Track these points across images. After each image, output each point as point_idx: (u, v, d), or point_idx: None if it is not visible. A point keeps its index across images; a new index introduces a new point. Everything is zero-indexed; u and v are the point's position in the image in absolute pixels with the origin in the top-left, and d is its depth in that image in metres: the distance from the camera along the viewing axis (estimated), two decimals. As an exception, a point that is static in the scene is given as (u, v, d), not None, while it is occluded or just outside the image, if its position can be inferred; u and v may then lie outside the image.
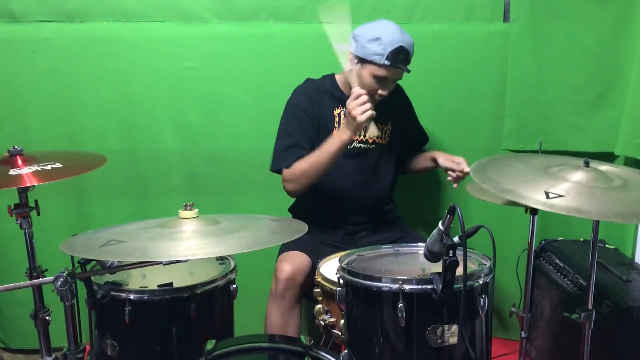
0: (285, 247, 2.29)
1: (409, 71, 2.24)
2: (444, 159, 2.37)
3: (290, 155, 2.30)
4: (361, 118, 2.09)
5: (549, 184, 1.58)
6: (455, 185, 2.32)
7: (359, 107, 2.09)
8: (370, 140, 2.41)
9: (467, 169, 2.26)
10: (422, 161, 2.55)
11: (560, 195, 1.51)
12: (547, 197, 1.50)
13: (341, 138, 2.18)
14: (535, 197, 1.51)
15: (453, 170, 2.30)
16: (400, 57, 2.19)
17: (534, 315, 2.55)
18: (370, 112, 2.10)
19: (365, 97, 2.10)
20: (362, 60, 2.23)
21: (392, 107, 2.44)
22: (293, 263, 2.19)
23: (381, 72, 2.20)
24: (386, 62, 2.18)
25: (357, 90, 2.12)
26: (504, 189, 1.57)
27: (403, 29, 2.23)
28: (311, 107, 2.35)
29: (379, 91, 2.25)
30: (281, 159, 2.32)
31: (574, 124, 2.76)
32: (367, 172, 2.44)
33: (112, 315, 1.86)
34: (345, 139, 2.17)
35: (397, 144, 2.51)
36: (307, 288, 2.20)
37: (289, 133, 2.34)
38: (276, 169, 2.34)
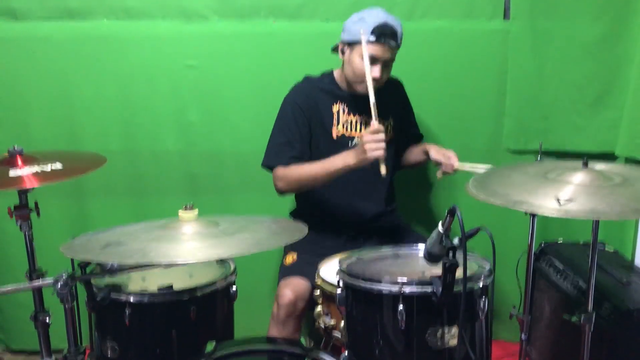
0: (287, 271, 2.28)
1: (397, 46, 2.23)
2: (435, 152, 2.37)
3: (284, 154, 2.30)
4: (370, 154, 2.07)
5: (555, 189, 1.56)
6: (439, 176, 2.34)
7: (374, 143, 2.07)
8: None
9: (456, 165, 2.26)
10: (415, 154, 2.56)
11: (570, 200, 1.50)
12: (559, 203, 1.48)
13: (346, 161, 2.17)
14: (548, 206, 1.49)
15: (443, 164, 2.32)
16: (385, 32, 2.18)
17: (534, 318, 2.55)
18: (380, 152, 2.08)
19: (382, 136, 2.08)
20: (350, 45, 2.25)
21: (392, 101, 2.45)
22: (295, 290, 2.18)
23: (368, 49, 2.18)
24: (371, 38, 2.17)
25: (377, 125, 2.10)
26: (514, 201, 1.54)
27: (391, 14, 2.24)
28: (307, 105, 2.34)
29: (374, 75, 2.21)
30: (274, 157, 2.32)
31: (574, 124, 2.75)
32: (371, 172, 2.43)
33: (112, 317, 1.85)
34: (350, 164, 2.16)
35: (398, 138, 2.51)
36: (307, 311, 2.20)
37: (283, 130, 2.33)
38: (268, 165, 2.34)
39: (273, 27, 2.69)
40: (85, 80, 2.69)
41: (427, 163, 2.57)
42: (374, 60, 2.21)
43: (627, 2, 2.61)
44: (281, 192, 2.35)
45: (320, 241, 2.37)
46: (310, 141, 2.34)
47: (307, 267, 2.20)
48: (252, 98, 2.74)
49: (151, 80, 2.70)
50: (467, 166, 2.23)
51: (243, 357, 1.73)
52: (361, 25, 2.19)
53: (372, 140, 2.07)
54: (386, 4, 2.53)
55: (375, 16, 2.21)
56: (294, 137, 2.31)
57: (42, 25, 2.63)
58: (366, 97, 2.34)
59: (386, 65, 2.26)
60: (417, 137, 2.65)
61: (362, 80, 2.23)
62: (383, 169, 2.10)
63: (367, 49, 2.16)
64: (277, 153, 2.31)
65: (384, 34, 2.18)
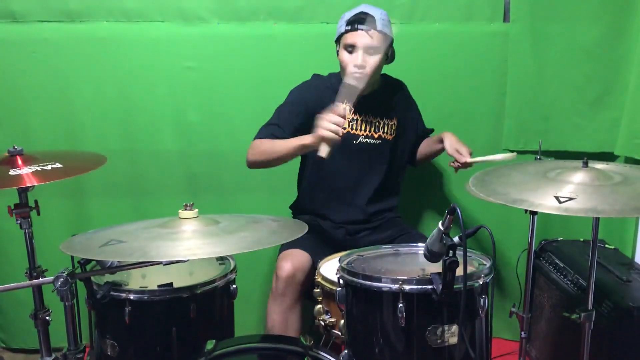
0: (286, 245, 2.29)
1: (375, 29, 2.20)
2: (449, 145, 2.32)
3: (266, 131, 2.30)
4: (322, 133, 2.02)
5: (555, 188, 1.57)
6: (455, 171, 2.34)
7: (329, 123, 2.01)
8: (376, 136, 2.41)
9: (469, 160, 2.24)
10: (430, 145, 2.55)
11: (571, 198, 1.50)
12: (559, 201, 1.49)
13: (302, 140, 2.15)
14: (547, 204, 1.50)
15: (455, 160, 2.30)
16: (358, 18, 2.22)
17: (534, 316, 2.55)
18: (330, 135, 2.01)
19: (340, 120, 2.02)
20: (336, 41, 2.31)
21: (397, 102, 2.47)
22: (293, 261, 2.19)
23: (345, 39, 2.24)
24: (347, 27, 2.23)
25: (340, 109, 2.06)
26: (514, 199, 1.55)
27: (377, 7, 2.27)
28: (315, 98, 2.33)
29: (354, 62, 2.23)
30: (259, 133, 2.32)
31: (574, 124, 2.75)
32: (372, 168, 2.44)
33: (112, 315, 1.86)
34: (305, 144, 2.12)
35: (402, 138, 2.51)
36: (307, 286, 2.20)
37: (277, 114, 2.36)
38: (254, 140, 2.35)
39: (273, 29, 2.69)
40: (85, 81, 2.69)
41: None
42: (352, 47, 2.24)
43: (626, 3, 2.62)
44: (248, 163, 2.33)
45: (319, 230, 2.41)
46: (300, 132, 2.29)
47: (306, 241, 2.19)
48: (252, 99, 2.73)
49: (151, 81, 2.70)
50: (480, 159, 2.23)
51: (243, 355, 1.72)
52: (342, 20, 2.26)
53: (328, 120, 2.02)
54: (385, 6, 2.55)
55: (353, 10, 2.26)
56: (284, 122, 2.31)
57: (42, 27, 2.63)
58: (371, 97, 2.35)
59: (368, 51, 2.23)
60: (427, 132, 2.64)
61: (348, 73, 2.24)
62: (322, 152, 2.04)
63: (344, 40, 2.24)
64: (262, 131, 2.32)
65: (357, 20, 2.22)
